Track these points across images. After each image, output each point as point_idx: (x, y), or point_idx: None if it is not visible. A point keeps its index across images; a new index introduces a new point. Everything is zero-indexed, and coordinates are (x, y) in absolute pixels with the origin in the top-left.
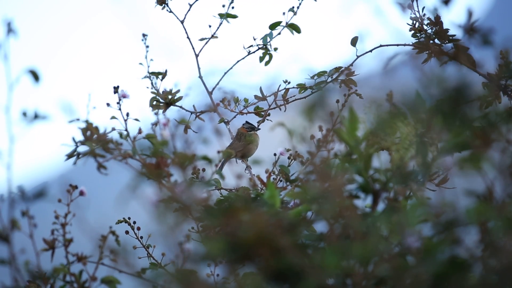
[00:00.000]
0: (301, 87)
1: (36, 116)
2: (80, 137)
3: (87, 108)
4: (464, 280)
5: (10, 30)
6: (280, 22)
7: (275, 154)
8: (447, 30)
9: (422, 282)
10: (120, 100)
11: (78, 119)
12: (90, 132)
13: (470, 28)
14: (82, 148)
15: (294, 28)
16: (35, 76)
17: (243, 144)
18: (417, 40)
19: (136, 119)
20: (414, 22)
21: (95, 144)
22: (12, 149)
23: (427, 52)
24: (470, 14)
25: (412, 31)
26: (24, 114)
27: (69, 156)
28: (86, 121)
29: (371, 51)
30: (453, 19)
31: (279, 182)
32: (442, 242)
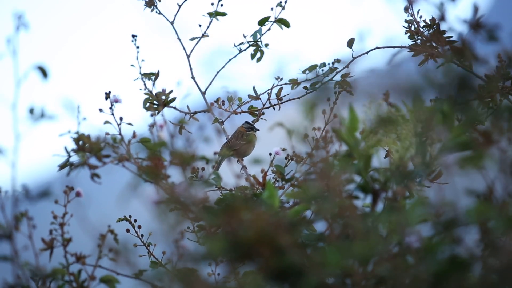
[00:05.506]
0: (294, 82)
1: (42, 115)
2: (72, 145)
3: (78, 118)
4: (464, 280)
5: (21, 24)
6: (269, 17)
7: (270, 154)
8: (444, 31)
9: (422, 282)
10: (112, 105)
11: (69, 131)
12: (82, 141)
13: (475, 24)
14: (75, 158)
15: (283, 23)
16: (44, 72)
17: (239, 143)
18: (414, 42)
19: (130, 123)
20: (410, 25)
21: (88, 153)
22: (17, 147)
23: (424, 54)
24: (476, 9)
25: (408, 34)
26: (31, 111)
27: (62, 167)
28: (77, 132)
29: (367, 53)
30: (458, 15)
31: (275, 182)
32: (442, 242)
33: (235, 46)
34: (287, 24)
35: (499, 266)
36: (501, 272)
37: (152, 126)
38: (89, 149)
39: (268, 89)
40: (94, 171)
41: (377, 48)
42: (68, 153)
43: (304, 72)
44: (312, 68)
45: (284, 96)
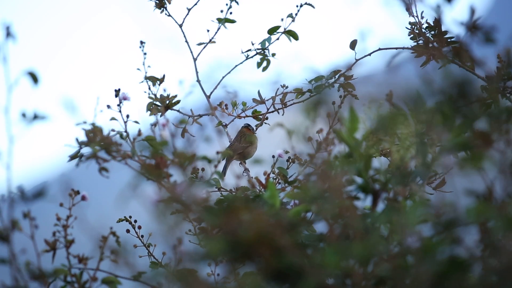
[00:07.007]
0: (299, 92)
1: (35, 117)
2: (83, 138)
3: (95, 110)
4: (464, 280)
5: (8, 34)
6: (279, 27)
7: (273, 156)
8: (446, 32)
9: (422, 282)
10: (120, 102)
11: (85, 122)
12: (93, 133)
13: (472, 26)
14: (85, 150)
15: (291, 34)
16: (34, 78)
17: (243, 146)
18: (416, 43)
19: (136, 122)
20: (413, 27)
21: (99, 146)
22: (11, 150)
23: (426, 55)
24: (472, 11)
25: (411, 35)
26: (23, 115)
27: (72, 157)
28: (93, 124)
29: (370, 54)
30: (455, 17)
31: (277, 183)
32: (441, 242)
33: (242, 52)
34: (295, 37)
35: (499, 267)
36: (501, 273)
37: (154, 125)
38: (100, 142)
39: (273, 96)
40: (103, 165)
41: (380, 49)
42: (79, 144)
43: (310, 82)
44: (318, 79)
45: (288, 101)
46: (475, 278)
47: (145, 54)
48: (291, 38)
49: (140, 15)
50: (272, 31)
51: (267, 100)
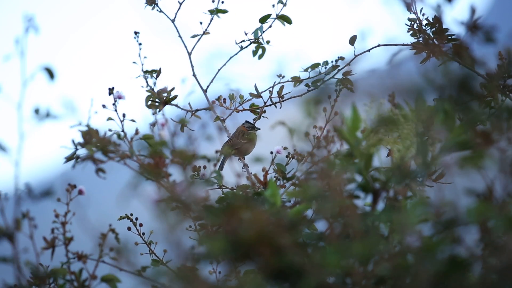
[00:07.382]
0: (296, 80)
1: (48, 115)
2: (79, 139)
3: (89, 112)
4: (464, 279)
5: (31, 26)
6: (270, 14)
7: (271, 153)
8: (446, 29)
9: (422, 282)
10: (115, 101)
11: (80, 124)
12: (90, 135)
13: (473, 25)
14: (82, 151)
15: (285, 19)
16: (50, 73)
17: (241, 142)
18: (416, 40)
19: (133, 120)
20: (413, 23)
21: (94, 147)
22: (21, 146)
23: (426, 52)
24: (473, 11)
25: (411, 31)
26: (37, 111)
27: (68, 159)
28: (87, 125)
29: (369, 50)
30: (455, 16)
31: (276, 180)
32: (442, 241)
33: (236, 43)
34: (288, 21)
35: (499, 266)
36: (501, 272)
37: (153, 124)
38: (96, 143)
39: (270, 87)
40: (100, 166)
41: (379, 45)
42: (75, 145)
43: (306, 70)
44: (314, 66)
45: (286, 94)
46: (475, 277)
47: (140, 44)
48: (284, 23)
49: (143, 7)
50: (263, 19)
51: (263, 92)
